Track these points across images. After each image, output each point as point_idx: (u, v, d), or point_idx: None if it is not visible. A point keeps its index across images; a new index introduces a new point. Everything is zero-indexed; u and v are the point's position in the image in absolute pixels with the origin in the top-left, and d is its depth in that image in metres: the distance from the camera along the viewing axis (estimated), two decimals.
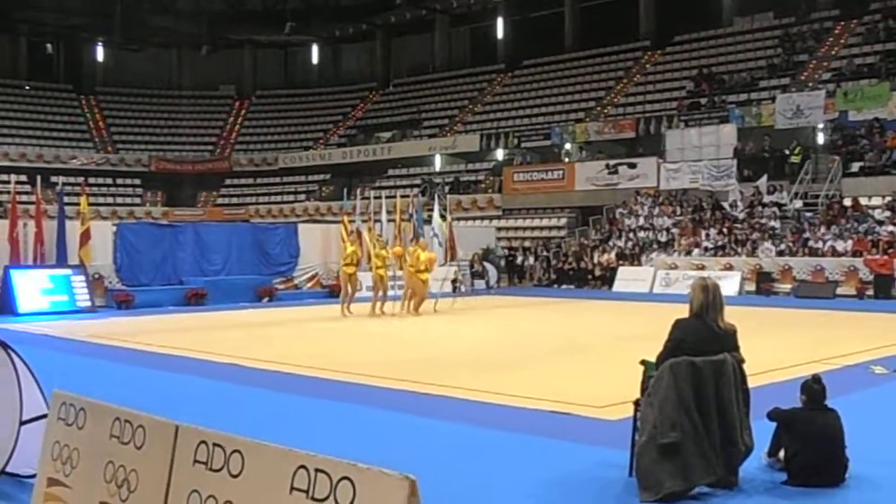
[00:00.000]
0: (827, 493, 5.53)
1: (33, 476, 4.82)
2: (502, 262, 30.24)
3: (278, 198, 46.51)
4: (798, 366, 10.05)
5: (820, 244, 24.51)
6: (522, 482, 5.82)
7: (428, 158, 43.11)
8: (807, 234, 25.16)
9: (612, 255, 28.31)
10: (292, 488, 3.28)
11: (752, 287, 24.34)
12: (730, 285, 22.88)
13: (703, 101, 34.73)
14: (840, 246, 24.06)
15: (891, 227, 24.14)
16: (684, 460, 5.35)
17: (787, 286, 23.95)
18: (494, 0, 44.47)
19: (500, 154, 40.09)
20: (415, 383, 9.53)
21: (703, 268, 24.91)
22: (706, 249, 26.71)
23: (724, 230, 26.96)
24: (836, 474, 5.68)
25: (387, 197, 27.97)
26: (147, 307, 20.41)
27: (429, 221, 26.53)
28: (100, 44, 47.88)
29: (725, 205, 28.48)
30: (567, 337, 14.58)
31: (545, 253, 30.96)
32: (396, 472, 2.97)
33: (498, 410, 8.12)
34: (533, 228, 34.98)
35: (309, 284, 25.00)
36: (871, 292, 22.45)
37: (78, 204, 22.02)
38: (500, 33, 44.34)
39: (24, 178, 35.62)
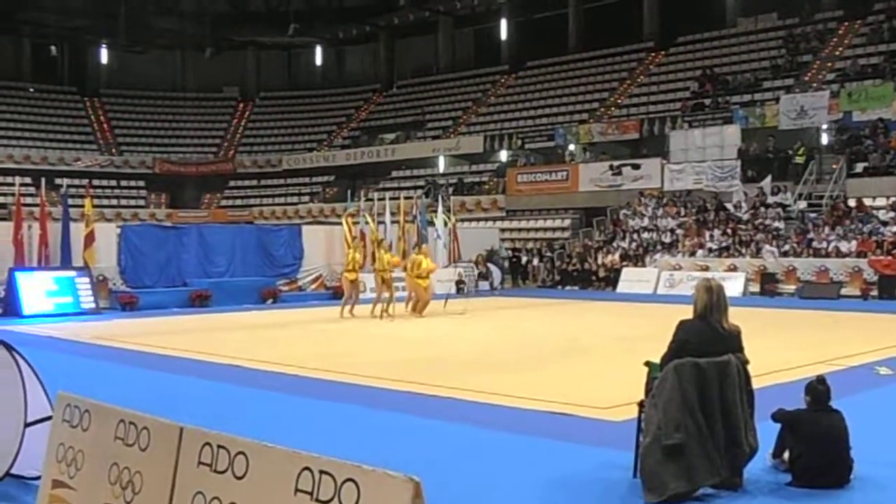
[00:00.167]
0: (832, 494, 5.53)
1: (38, 478, 4.83)
2: (506, 264, 30.23)
3: (282, 199, 46.57)
4: (802, 367, 10.04)
5: (824, 245, 24.48)
6: (526, 483, 5.82)
7: (432, 160, 43.14)
8: (811, 235, 25.13)
9: (616, 256, 28.29)
10: (297, 490, 3.28)
11: (756, 288, 24.31)
12: (734, 286, 22.84)
13: (707, 101, 34.71)
14: (844, 247, 24.03)
15: (895, 228, 24.10)
16: (688, 461, 5.35)
17: (791, 287, 23.91)
18: (498, 1, 44.47)
19: (503, 155, 40.09)
20: (419, 385, 9.53)
21: (707, 269, 24.88)
22: (710, 250, 26.68)
23: (728, 231, 26.93)
24: (840, 475, 5.67)
25: (391, 198, 27.99)
26: (151, 309, 20.42)
27: (432, 223, 26.53)
28: (104, 46, 47.95)
29: (729, 206, 28.44)
30: (571, 338, 14.57)
31: (549, 254, 30.95)
32: (401, 473, 2.97)
33: (502, 412, 8.12)
34: (537, 230, 34.98)
35: (313, 286, 24.99)
36: (875, 293, 22.42)
37: (82, 206, 22.02)
38: (503, 34, 44.33)
39: (28, 180, 35.77)
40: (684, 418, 5.36)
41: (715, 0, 40.02)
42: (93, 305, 19.92)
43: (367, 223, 24.90)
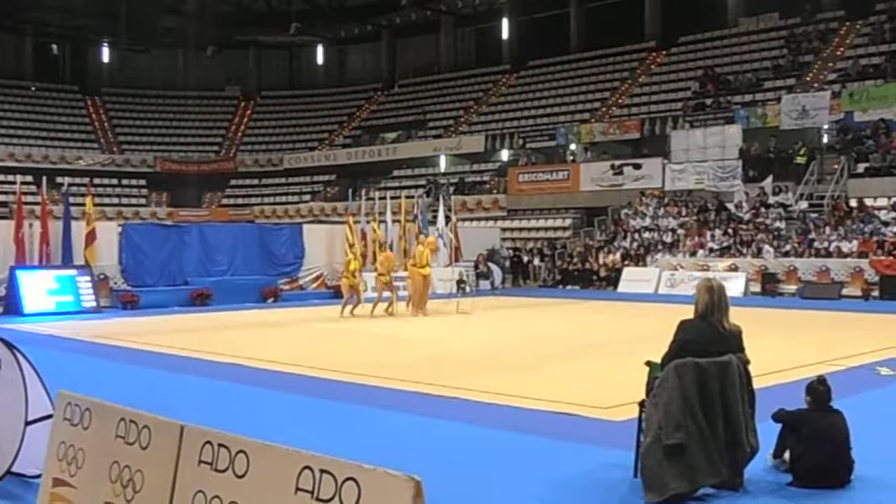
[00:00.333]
0: (832, 494, 5.52)
1: (39, 476, 4.83)
2: (507, 263, 30.23)
3: (283, 198, 46.58)
4: (803, 367, 10.03)
5: (825, 245, 24.47)
6: (527, 483, 5.82)
7: (433, 159, 43.15)
8: (812, 235, 25.12)
9: (618, 255, 28.29)
10: (297, 489, 3.28)
11: (757, 288, 24.31)
12: (735, 286, 22.83)
13: (709, 101, 34.69)
14: (845, 247, 24.02)
15: None
16: (689, 461, 5.35)
17: (792, 287, 23.91)
18: (500, 1, 44.47)
19: (505, 155, 40.11)
20: (420, 384, 9.53)
21: (708, 268, 24.88)
22: (711, 250, 26.68)
23: (730, 231, 26.93)
24: (841, 476, 5.67)
25: (392, 197, 27.98)
26: (152, 308, 20.42)
27: (434, 222, 26.52)
28: (105, 44, 47.97)
29: (730, 206, 28.44)
30: (572, 338, 14.57)
31: (550, 253, 30.94)
32: (401, 472, 2.97)
33: (503, 411, 8.12)
34: (538, 229, 34.97)
35: (314, 285, 25.01)
36: (876, 293, 22.41)
37: (83, 204, 22.02)
38: (505, 34, 44.33)
39: (29, 178, 35.75)
40: (685, 418, 5.35)
41: (717, 0, 39.96)
42: (94, 304, 19.94)
43: (368, 223, 24.93)
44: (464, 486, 5.71)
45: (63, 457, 4.47)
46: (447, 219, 26.20)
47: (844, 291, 22.88)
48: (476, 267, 27.32)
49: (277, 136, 51.05)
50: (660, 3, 41.97)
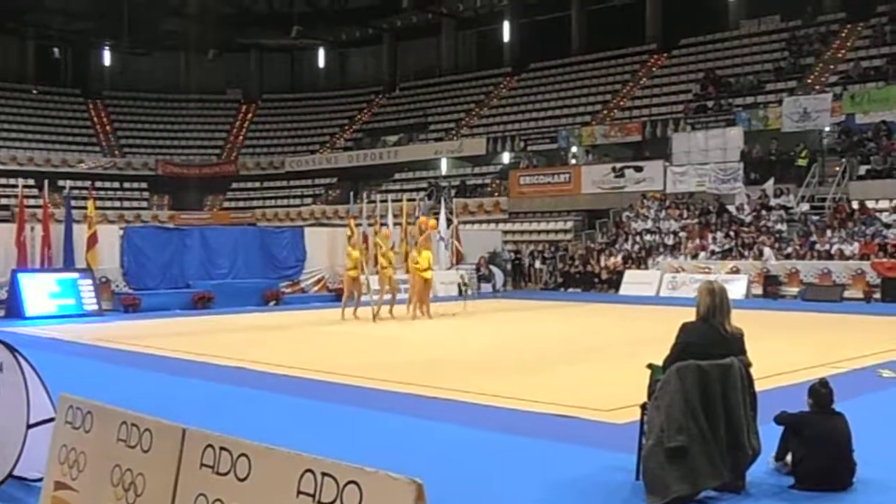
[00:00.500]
0: (834, 497, 5.52)
1: (40, 480, 4.84)
2: (508, 266, 30.22)
3: (285, 201, 46.58)
4: (805, 369, 10.03)
5: (827, 247, 24.46)
6: (529, 485, 5.81)
7: (434, 162, 43.14)
8: (814, 238, 25.11)
9: (619, 258, 28.27)
10: (299, 492, 3.28)
11: (758, 290, 24.29)
12: (736, 289, 22.82)
13: (710, 104, 34.70)
14: (847, 249, 24.01)
15: None
16: (691, 464, 5.34)
17: (794, 289, 23.90)
18: (501, 3, 44.49)
19: (506, 157, 40.11)
20: (421, 387, 9.52)
21: (709, 271, 24.86)
22: (713, 253, 26.67)
23: (731, 233, 26.91)
24: (843, 479, 5.66)
25: (393, 200, 27.97)
26: (154, 311, 20.43)
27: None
28: (107, 48, 47.98)
29: (732, 208, 28.43)
30: (573, 340, 14.57)
31: (551, 256, 30.94)
32: (403, 475, 2.97)
33: (504, 414, 8.12)
34: (539, 232, 34.97)
35: (315, 288, 25.00)
36: (878, 295, 22.40)
37: (85, 208, 22.03)
38: (506, 36, 44.30)
39: (31, 181, 35.86)
40: (687, 421, 5.35)
41: (718, 2, 39.98)
42: (95, 307, 19.93)
43: (370, 225, 24.90)
44: (465, 488, 5.71)
45: (65, 460, 4.47)
46: (448, 221, 26.24)
47: (846, 294, 22.87)
48: (478, 269, 27.33)
49: (279, 138, 51.07)
50: (661, 5, 41.98)
